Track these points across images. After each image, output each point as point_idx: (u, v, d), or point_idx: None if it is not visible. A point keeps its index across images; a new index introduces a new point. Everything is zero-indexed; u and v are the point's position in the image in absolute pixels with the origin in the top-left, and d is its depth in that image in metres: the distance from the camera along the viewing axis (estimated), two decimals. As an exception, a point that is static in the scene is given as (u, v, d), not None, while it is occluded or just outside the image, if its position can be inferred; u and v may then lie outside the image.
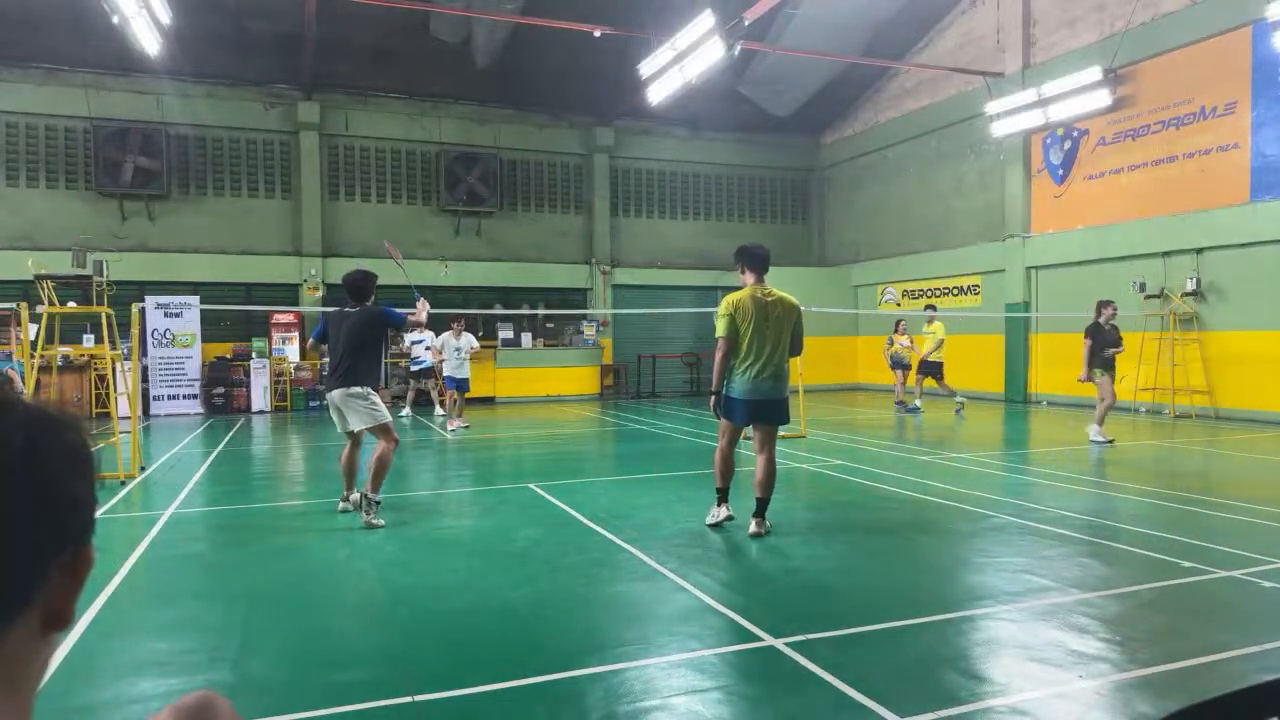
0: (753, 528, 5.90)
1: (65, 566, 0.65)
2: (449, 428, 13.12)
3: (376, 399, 6.62)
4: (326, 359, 7.03)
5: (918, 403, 15.14)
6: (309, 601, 4.69)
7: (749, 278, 6.14)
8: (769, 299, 5.96)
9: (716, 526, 6.17)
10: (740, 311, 5.92)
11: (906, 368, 15.41)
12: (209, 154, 18.15)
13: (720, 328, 5.96)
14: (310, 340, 7.24)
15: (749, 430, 6.19)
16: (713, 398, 6.11)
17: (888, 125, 20.80)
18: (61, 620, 0.66)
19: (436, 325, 13.44)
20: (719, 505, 6.20)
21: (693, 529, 6.21)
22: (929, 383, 15.24)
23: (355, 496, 6.64)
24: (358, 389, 6.51)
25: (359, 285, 6.79)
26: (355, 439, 6.84)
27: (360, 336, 6.56)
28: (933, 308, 16.04)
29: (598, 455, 11.36)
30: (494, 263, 20.15)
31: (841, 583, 4.99)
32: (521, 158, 20.56)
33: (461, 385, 13.51)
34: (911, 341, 15.39)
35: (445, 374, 13.61)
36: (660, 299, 21.10)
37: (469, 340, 13.38)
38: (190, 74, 17.15)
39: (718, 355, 5.97)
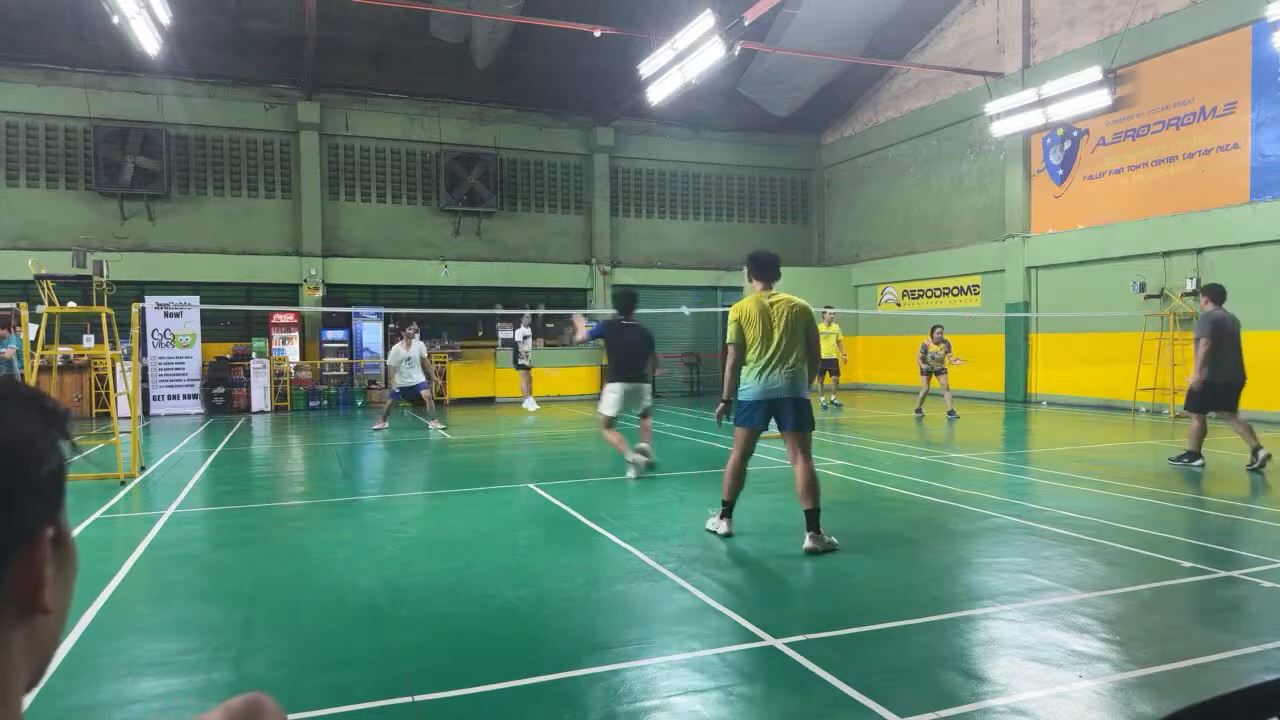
0: (808, 543, 5.60)
1: (24, 554, 0.62)
2: (433, 427, 13.19)
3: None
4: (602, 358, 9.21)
5: (835, 399, 16.29)
6: (309, 601, 4.69)
7: (755, 285, 6.09)
8: (773, 302, 5.92)
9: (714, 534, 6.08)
10: (745, 317, 5.89)
11: (939, 373, 14.42)
12: (209, 154, 18.15)
13: (730, 334, 5.93)
14: (587, 336, 9.14)
15: (773, 435, 6.09)
16: (721, 405, 6.00)
17: (888, 125, 20.81)
18: (35, 608, 0.64)
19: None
20: (721, 518, 6.05)
21: (693, 529, 6.21)
22: (828, 380, 16.04)
23: (640, 453, 8.64)
24: (648, 385, 8.95)
25: (633, 300, 8.97)
26: (613, 421, 8.86)
27: (646, 349, 8.90)
28: (830, 307, 16.17)
29: (598, 455, 11.34)
30: (494, 263, 20.15)
31: (841, 583, 4.99)
32: (521, 158, 20.57)
33: (409, 393, 13.39)
34: (949, 349, 14.55)
35: (399, 384, 13.33)
36: (660, 299, 21.10)
37: (420, 349, 13.26)
38: (190, 74, 17.16)
39: (727, 363, 5.93)
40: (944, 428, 12.99)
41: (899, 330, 20.05)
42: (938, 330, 14.62)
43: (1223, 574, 4.88)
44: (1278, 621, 4.20)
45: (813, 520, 5.61)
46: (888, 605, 4.45)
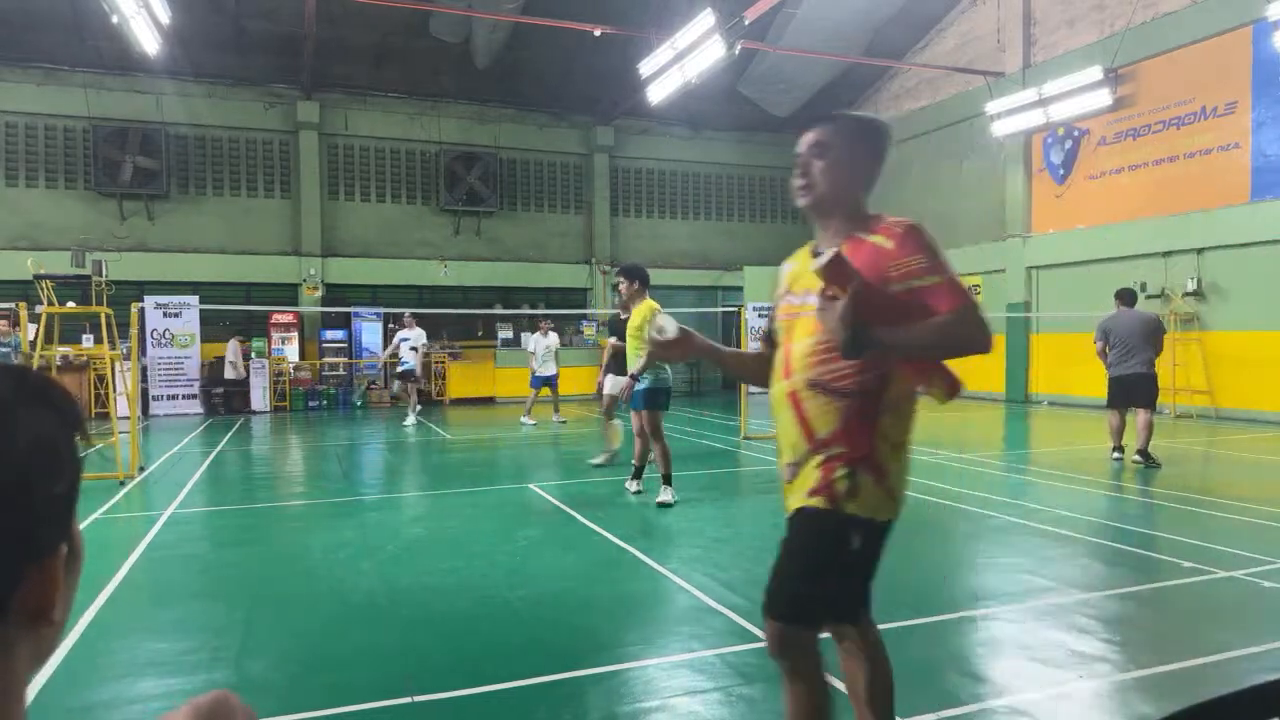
0: (636, 486, 7.59)
1: (38, 572, 0.61)
2: (529, 421, 14.00)
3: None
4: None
5: None
6: (309, 601, 4.69)
7: (645, 294, 7.49)
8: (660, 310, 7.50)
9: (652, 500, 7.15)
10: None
11: None
12: (209, 154, 18.15)
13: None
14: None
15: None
16: (632, 380, 7.41)
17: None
18: (43, 620, 0.62)
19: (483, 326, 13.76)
20: (647, 482, 7.51)
21: (693, 529, 6.21)
22: None
23: None
24: None
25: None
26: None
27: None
28: None
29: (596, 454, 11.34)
30: (494, 263, 20.15)
31: (841, 583, 4.98)
32: (521, 158, 20.56)
33: (549, 382, 14.11)
34: None
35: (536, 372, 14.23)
36: (660, 299, 20.97)
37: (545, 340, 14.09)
38: (190, 74, 17.15)
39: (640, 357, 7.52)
40: (941, 428, 12.98)
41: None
42: None
43: (1223, 574, 4.88)
44: (1278, 621, 4.20)
45: (640, 472, 7.66)
46: (888, 605, 4.43)
